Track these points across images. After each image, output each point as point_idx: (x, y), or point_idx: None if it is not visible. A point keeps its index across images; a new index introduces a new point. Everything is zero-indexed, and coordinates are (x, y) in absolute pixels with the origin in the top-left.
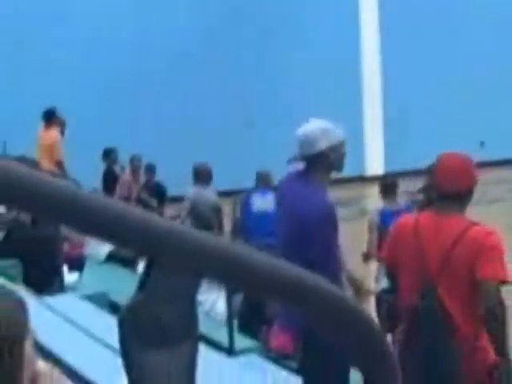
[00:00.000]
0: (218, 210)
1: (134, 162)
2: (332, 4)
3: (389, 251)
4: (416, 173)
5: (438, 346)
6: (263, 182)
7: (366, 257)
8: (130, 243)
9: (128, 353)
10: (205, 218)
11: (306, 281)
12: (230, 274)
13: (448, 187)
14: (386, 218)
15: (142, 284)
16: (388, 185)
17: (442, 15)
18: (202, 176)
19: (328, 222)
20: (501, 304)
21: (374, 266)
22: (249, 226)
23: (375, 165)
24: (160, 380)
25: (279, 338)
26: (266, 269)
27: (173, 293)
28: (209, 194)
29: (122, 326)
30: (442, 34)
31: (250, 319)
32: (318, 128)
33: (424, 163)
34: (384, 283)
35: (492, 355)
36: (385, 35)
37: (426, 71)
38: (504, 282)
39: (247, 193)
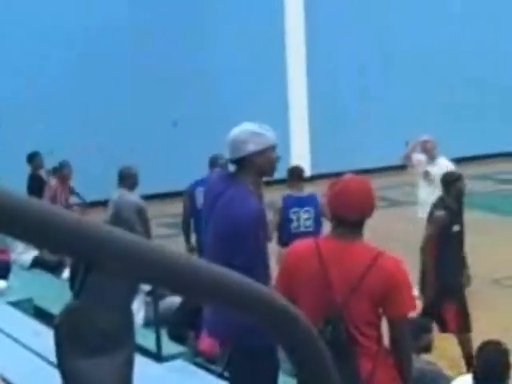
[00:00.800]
0: (141, 214)
1: (62, 168)
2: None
3: (286, 278)
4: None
5: (342, 368)
6: (217, 167)
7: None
8: (67, 249)
9: (64, 359)
10: (128, 222)
11: (245, 286)
12: (169, 279)
13: (348, 215)
14: (287, 202)
15: (79, 290)
16: (293, 172)
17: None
18: (126, 179)
19: (256, 228)
20: (408, 337)
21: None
22: (196, 226)
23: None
24: None
25: (207, 343)
26: (206, 275)
27: (109, 299)
28: (132, 197)
29: (58, 331)
30: (367, 37)
31: (180, 326)
32: (246, 131)
33: (351, 166)
34: None
35: (395, 373)
36: (310, 40)
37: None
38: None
39: (193, 184)
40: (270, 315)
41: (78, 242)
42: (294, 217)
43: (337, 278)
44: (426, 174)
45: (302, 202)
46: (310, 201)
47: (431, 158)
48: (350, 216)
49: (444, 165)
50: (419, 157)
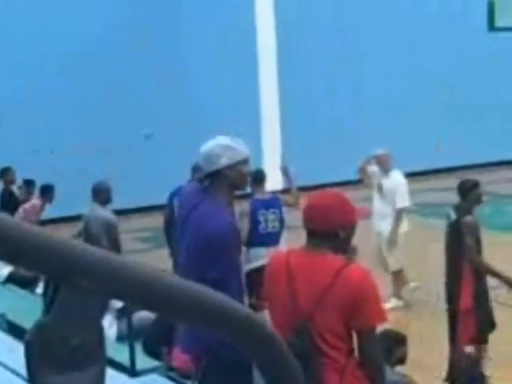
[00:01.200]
0: (110, 229)
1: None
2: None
3: (265, 291)
4: (315, 187)
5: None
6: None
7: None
8: (37, 264)
9: (34, 375)
10: (95, 237)
11: (220, 303)
12: (140, 296)
13: (314, 226)
14: (255, 205)
15: (49, 305)
16: (256, 176)
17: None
18: (98, 194)
19: (230, 242)
20: (377, 349)
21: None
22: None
23: (275, 181)
24: None
25: (180, 358)
26: (180, 292)
27: (80, 315)
28: (102, 212)
29: (28, 348)
30: (345, 58)
31: (155, 340)
32: (218, 145)
33: (325, 178)
34: (255, 264)
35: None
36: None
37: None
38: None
39: (172, 193)
40: (245, 333)
41: (47, 258)
42: (261, 218)
43: (303, 290)
44: (380, 187)
45: (268, 205)
46: (274, 203)
47: (385, 171)
48: (318, 228)
49: (397, 178)
50: (373, 168)
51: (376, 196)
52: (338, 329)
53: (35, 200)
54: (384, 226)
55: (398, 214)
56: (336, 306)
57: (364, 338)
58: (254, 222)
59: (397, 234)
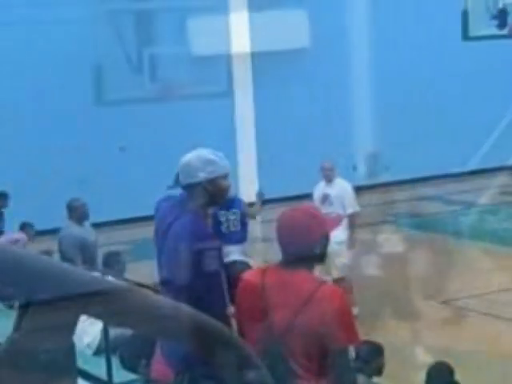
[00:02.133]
0: (85, 248)
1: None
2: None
3: (237, 312)
4: (288, 199)
5: None
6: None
7: None
8: (6, 281)
9: None
10: (67, 255)
11: (197, 321)
12: (110, 312)
13: (289, 246)
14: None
15: (19, 322)
16: None
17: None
18: (72, 212)
19: (211, 255)
20: (349, 370)
21: None
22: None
23: (250, 192)
24: None
25: (161, 370)
26: (154, 308)
27: (50, 330)
28: (76, 230)
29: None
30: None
31: (134, 354)
32: (199, 158)
33: (298, 189)
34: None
35: None
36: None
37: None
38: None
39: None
40: (223, 351)
41: (17, 274)
42: (223, 219)
43: (277, 311)
44: (325, 197)
45: (228, 205)
46: (235, 203)
47: (329, 181)
48: (287, 248)
49: (341, 185)
50: (316, 196)
51: (321, 208)
52: (311, 350)
53: (19, 234)
54: (334, 232)
55: (352, 220)
56: (309, 329)
57: (336, 359)
58: (216, 223)
59: (355, 239)
